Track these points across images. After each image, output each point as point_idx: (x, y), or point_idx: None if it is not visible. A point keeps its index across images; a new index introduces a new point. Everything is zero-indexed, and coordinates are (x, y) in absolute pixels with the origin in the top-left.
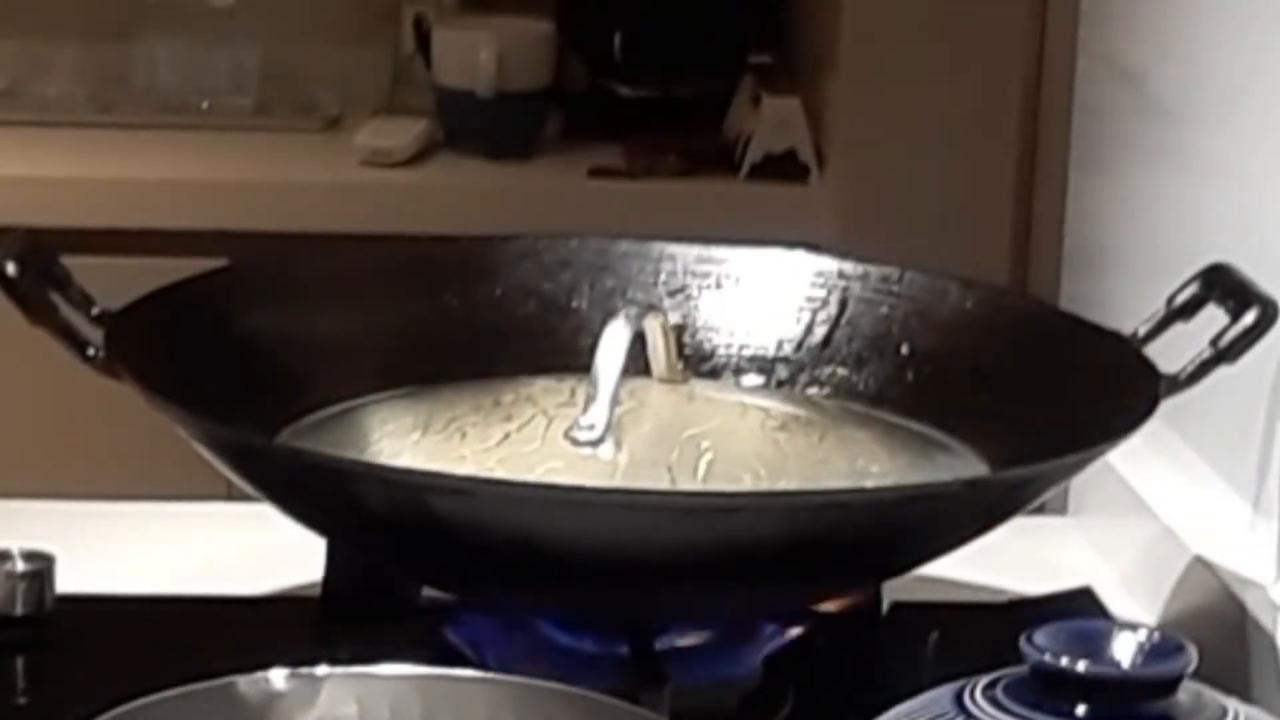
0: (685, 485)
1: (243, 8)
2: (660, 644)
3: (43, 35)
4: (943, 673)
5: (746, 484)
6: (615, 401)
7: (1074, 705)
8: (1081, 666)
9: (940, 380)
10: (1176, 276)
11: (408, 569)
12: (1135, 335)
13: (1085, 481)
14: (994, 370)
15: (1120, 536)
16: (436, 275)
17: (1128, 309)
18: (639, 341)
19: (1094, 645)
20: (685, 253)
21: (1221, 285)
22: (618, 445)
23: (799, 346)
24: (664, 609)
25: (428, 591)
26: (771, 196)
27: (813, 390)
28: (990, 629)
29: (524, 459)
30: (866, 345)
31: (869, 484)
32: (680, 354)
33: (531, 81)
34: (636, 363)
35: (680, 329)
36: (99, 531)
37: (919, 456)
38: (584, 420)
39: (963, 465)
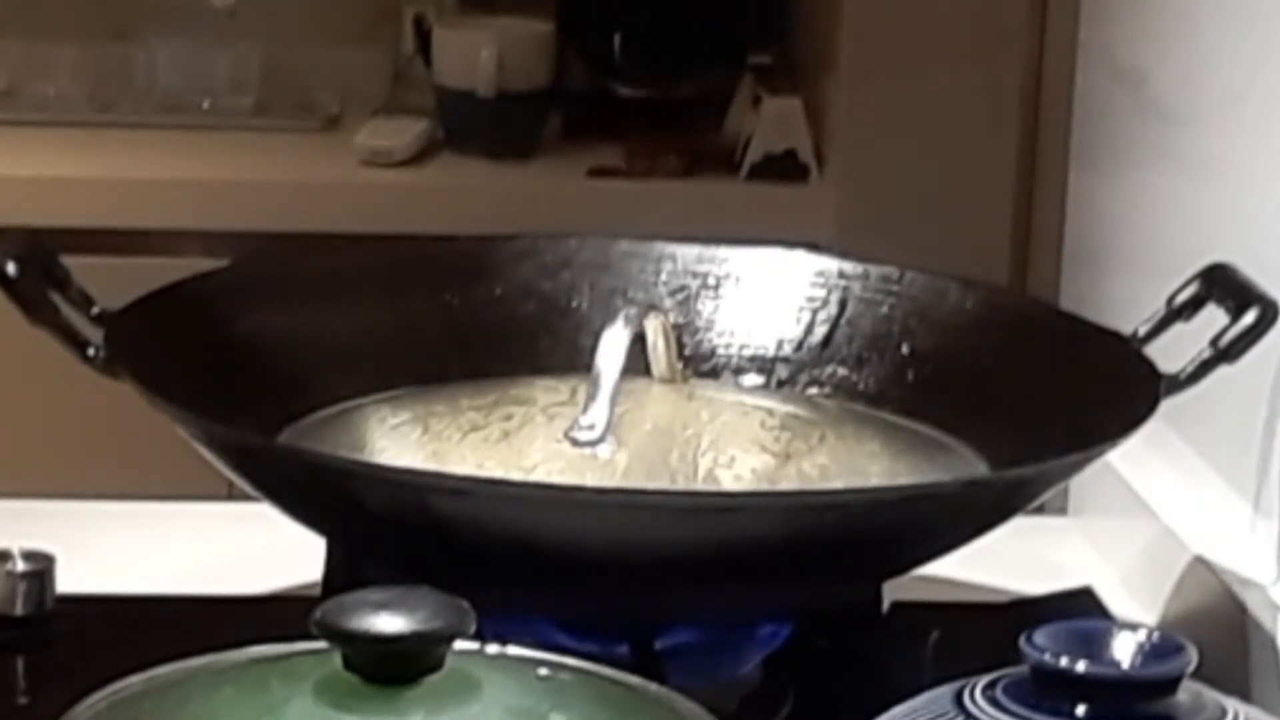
0: (685, 485)
1: (243, 8)
2: (660, 644)
3: (43, 35)
4: (943, 673)
5: (746, 484)
6: (615, 401)
7: (1074, 705)
8: (1081, 666)
9: (940, 380)
10: (1176, 276)
11: (408, 569)
12: (1135, 335)
13: (1085, 481)
14: (994, 370)
15: (1120, 536)
16: (436, 275)
17: (1128, 309)
18: (639, 341)
19: (1094, 645)
20: (685, 253)
21: (1221, 285)
22: (618, 445)
23: (799, 346)
24: (664, 609)
25: None
26: (771, 196)
27: (813, 390)
28: (990, 629)
29: (524, 459)
30: (866, 345)
31: (869, 484)
32: (680, 354)
33: (531, 81)
34: (636, 363)
35: (680, 329)
36: (99, 531)
37: (919, 456)
38: (584, 420)
39: (963, 465)
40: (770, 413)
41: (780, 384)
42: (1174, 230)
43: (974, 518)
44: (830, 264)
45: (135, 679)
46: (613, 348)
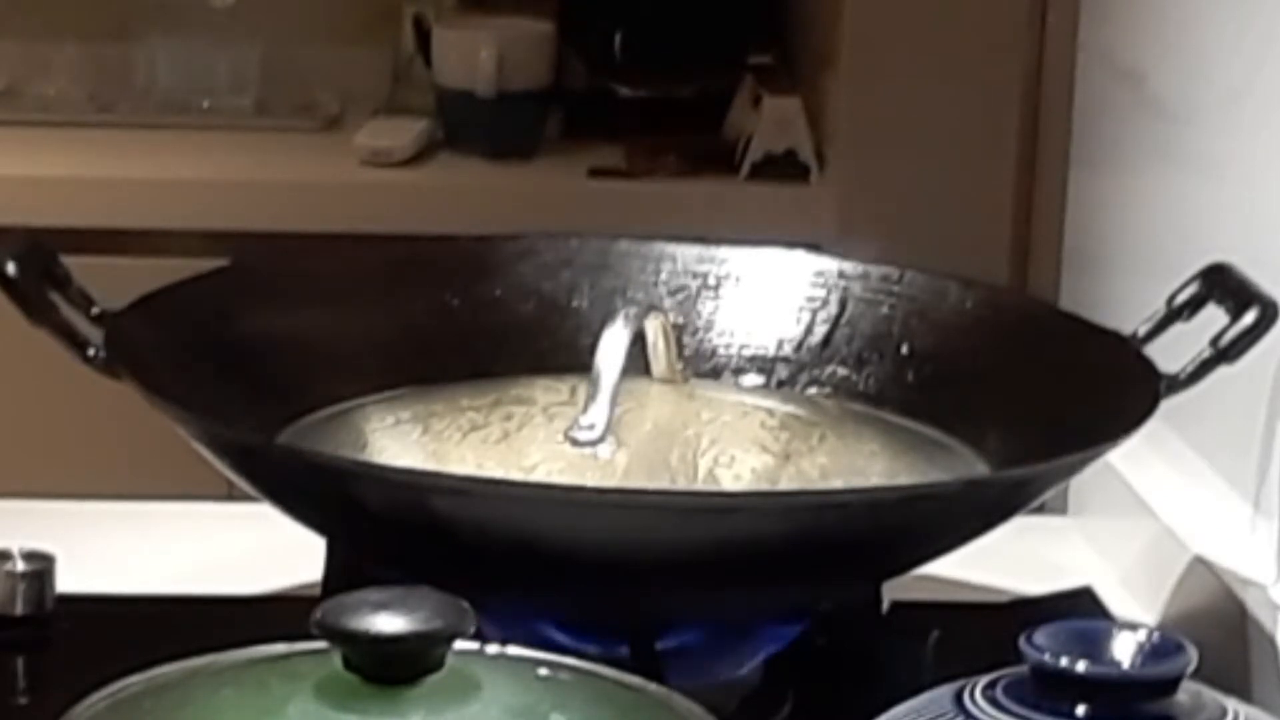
0: (685, 485)
1: (243, 8)
2: (660, 644)
3: (43, 35)
4: (943, 673)
5: (746, 484)
6: (615, 401)
7: (1074, 705)
8: (1081, 666)
9: (940, 380)
10: (1176, 276)
11: (408, 569)
12: (1135, 335)
13: (1085, 481)
14: (994, 370)
15: (1120, 536)
16: (436, 275)
17: (1128, 309)
18: (639, 341)
19: (1094, 645)
20: (685, 253)
21: (1221, 285)
22: (618, 445)
23: (799, 346)
24: (664, 609)
25: None
26: (771, 196)
27: (813, 390)
28: (990, 629)
29: (524, 459)
30: (866, 345)
31: (869, 484)
32: (680, 354)
33: (531, 81)
34: (636, 363)
35: (680, 329)
36: (99, 531)
37: (919, 456)
38: (584, 420)
39: (963, 465)
40: (770, 413)
41: (780, 384)
42: (1174, 230)
43: (974, 518)
44: (830, 264)
45: (135, 679)
46: (613, 348)
